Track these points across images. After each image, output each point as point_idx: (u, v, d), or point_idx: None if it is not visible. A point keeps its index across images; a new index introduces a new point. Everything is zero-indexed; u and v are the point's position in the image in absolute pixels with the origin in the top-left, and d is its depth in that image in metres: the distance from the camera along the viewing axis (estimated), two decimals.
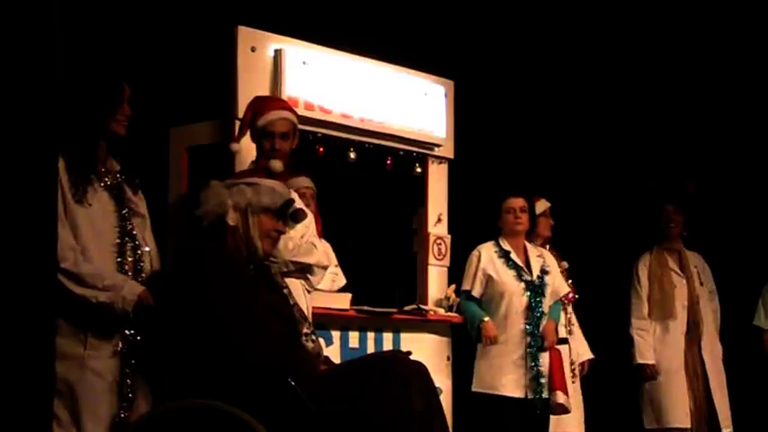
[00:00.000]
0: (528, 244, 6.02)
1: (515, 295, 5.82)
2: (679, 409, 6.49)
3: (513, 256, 5.91)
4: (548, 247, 6.37)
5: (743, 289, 7.05)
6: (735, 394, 6.70)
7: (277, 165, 4.53)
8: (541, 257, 5.99)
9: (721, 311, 6.81)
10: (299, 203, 4.25)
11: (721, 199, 7.40)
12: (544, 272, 5.91)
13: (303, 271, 4.67)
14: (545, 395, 5.72)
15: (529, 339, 5.75)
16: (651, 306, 6.65)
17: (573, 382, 6.17)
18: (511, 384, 5.72)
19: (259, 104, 4.72)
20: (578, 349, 6.36)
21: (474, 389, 5.81)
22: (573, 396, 6.07)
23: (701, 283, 6.76)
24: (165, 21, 5.59)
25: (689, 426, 6.48)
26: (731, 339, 6.84)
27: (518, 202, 5.94)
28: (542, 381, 5.71)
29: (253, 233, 3.75)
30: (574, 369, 6.24)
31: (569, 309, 6.35)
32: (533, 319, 5.78)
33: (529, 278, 5.85)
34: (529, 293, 5.81)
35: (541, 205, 6.34)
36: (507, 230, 5.97)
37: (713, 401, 6.53)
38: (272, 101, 4.88)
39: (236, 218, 3.73)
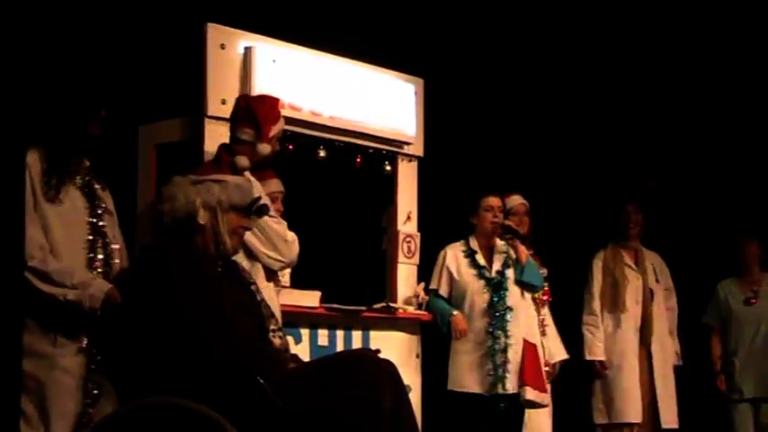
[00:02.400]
0: (498, 241, 6.05)
1: (477, 293, 5.91)
2: (630, 403, 6.53)
3: (479, 256, 5.99)
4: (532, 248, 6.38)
5: (699, 286, 7.11)
6: (690, 392, 6.75)
7: (243, 161, 4.53)
8: (505, 254, 6.01)
9: (679, 309, 6.85)
10: (265, 200, 4.25)
11: (677, 197, 7.45)
12: (506, 266, 5.95)
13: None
14: (511, 391, 5.75)
15: (491, 337, 5.80)
16: (603, 299, 6.68)
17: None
18: (475, 382, 5.79)
19: (272, 107, 4.74)
20: (552, 350, 6.33)
21: (448, 387, 5.87)
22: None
23: (657, 281, 6.80)
24: (135, 18, 5.56)
25: (640, 420, 6.53)
26: (688, 337, 6.90)
27: (497, 201, 6.02)
28: (507, 377, 5.75)
29: (222, 231, 3.73)
30: (548, 369, 6.21)
31: (543, 310, 6.32)
32: (496, 316, 5.83)
33: (489, 275, 5.92)
34: (490, 291, 5.87)
35: (511, 201, 6.34)
36: (482, 228, 6.03)
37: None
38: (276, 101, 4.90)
39: (206, 216, 3.71)
